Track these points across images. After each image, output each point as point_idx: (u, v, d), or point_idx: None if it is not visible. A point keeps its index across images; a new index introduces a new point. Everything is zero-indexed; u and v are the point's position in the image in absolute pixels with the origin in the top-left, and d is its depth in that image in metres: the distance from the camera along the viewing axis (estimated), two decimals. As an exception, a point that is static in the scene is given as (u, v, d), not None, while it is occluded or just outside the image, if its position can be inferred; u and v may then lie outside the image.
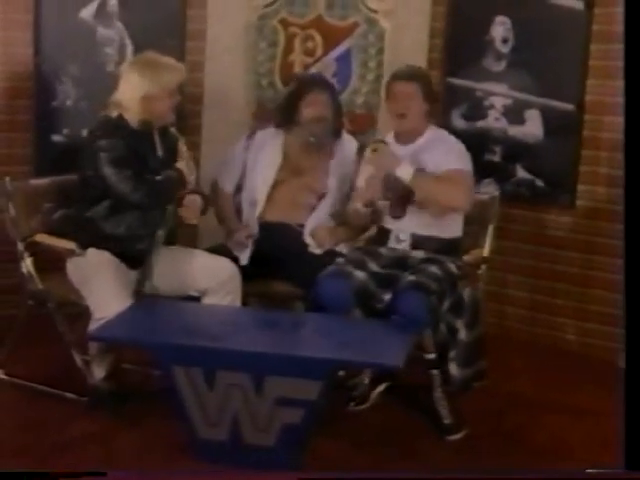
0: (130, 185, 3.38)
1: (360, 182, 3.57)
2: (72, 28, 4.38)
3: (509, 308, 4.54)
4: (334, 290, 3.36)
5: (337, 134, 3.91)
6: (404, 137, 3.58)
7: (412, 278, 3.33)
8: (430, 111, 3.59)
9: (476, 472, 3.16)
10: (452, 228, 3.58)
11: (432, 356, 3.39)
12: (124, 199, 3.41)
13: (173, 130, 3.62)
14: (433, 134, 3.59)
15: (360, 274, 3.40)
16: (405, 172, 3.40)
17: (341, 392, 3.57)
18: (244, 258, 3.74)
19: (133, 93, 3.43)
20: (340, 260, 3.53)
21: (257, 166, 3.88)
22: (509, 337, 4.41)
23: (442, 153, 3.49)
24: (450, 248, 3.54)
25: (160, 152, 3.55)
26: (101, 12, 4.42)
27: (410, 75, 3.56)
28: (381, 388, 3.66)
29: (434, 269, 3.38)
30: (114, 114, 3.48)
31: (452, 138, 3.62)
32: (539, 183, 4.40)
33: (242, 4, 4.61)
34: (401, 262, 3.48)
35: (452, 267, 3.45)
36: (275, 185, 3.86)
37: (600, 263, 4.26)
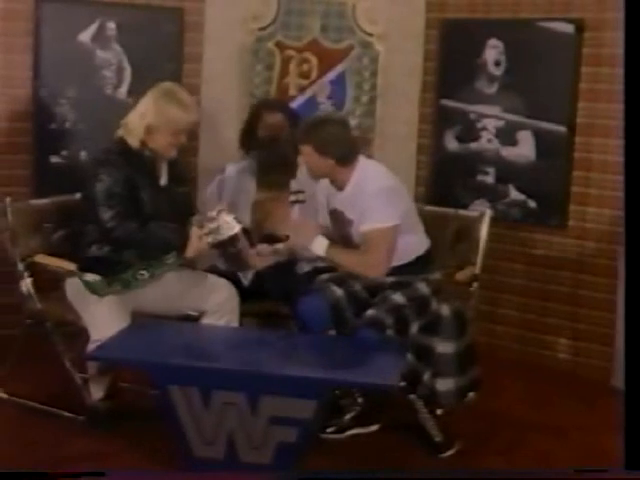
0: (115, 222, 3.36)
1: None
2: (71, 51, 4.45)
3: (500, 327, 4.58)
4: (311, 305, 3.42)
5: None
6: (335, 184, 3.52)
7: (370, 313, 3.36)
8: (343, 162, 3.42)
9: (473, 474, 3.21)
10: (417, 246, 3.57)
11: (401, 383, 3.29)
12: (107, 232, 3.40)
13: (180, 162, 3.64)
14: (355, 183, 3.45)
15: (337, 290, 3.45)
16: (319, 247, 3.43)
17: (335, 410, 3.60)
18: (246, 280, 3.80)
19: (140, 119, 3.44)
20: (322, 277, 3.57)
21: (237, 194, 3.97)
22: (500, 356, 4.45)
23: (359, 211, 3.41)
24: (421, 263, 3.55)
25: (163, 181, 3.56)
26: (100, 35, 4.48)
27: (302, 136, 3.46)
28: (364, 430, 3.60)
29: (397, 297, 3.40)
30: (118, 139, 3.48)
31: (371, 186, 3.41)
32: (531, 204, 4.46)
33: (238, 27, 4.68)
34: (374, 286, 3.49)
35: (421, 288, 3.46)
36: (256, 205, 3.95)
37: (591, 283, 4.30)
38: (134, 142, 3.45)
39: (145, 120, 3.42)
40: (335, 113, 3.65)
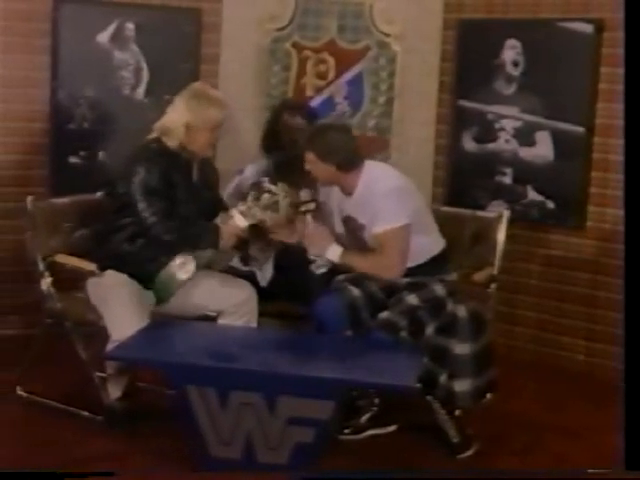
0: (156, 218, 3.41)
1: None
2: (89, 52, 4.47)
3: (517, 328, 4.57)
4: (328, 306, 3.42)
5: None
6: (343, 190, 3.54)
7: (383, 316, 3.37)
8: (345, 168, 3.45)
9: (477, 473, 3.21)
10: (432, 247, 3.57)
11: (417, 385, 3.26)
12: (147, 229, 3.44)
13: (211, 162, 3.70)
14: (363, 188, 3.47)
15: (354, 290, 3.45)
16: (333, 254, 3.46)
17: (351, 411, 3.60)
18: (264, 280, 3.81)
19: (177, 121, 3.48)
20: (339, 278, 3.57)
21: None
22: (516, 356, 4.44)
23: (369, 214, 3.43)
24: (437, 264, 3.54)
25: (195, 180, 3.58)
26: (117, 36, 4.51)
27: (305, 144, 3.51)
28: (381, 431, 3.60)
29: (411, 298, 3.40)
30: (154, 139, 3.51)
31: (378, 188, 3.43)
32: (549, 204, 4.44)
33: (255, 28, 4.68)
34: (391, 287, 3.49)
35: (437, 289, 3.46)
36: None
37: (609, 284, 4.28)
38: (173, 143, 3.50)
39: (184, 121, 3.47)
40: (338, 120, 3.69)
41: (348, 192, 3.52)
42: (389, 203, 3.40)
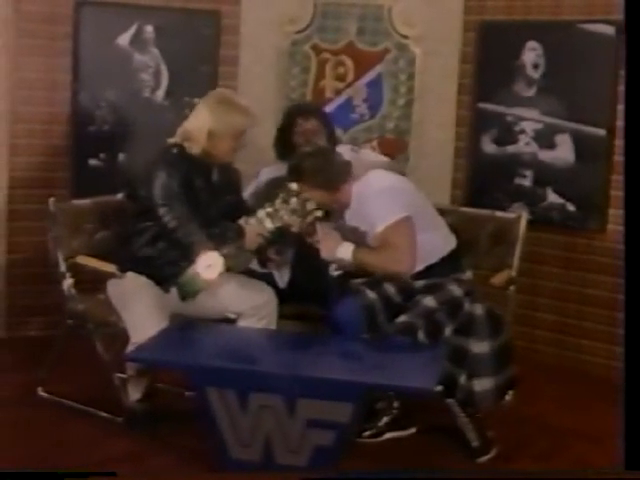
0: (178, 222, 3.40)
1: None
2: (109, 54, 4.50)
3: (537, 331, 4.55)
4: (346, 309, 3.42)
5: None
6: (342, 205, 3.56)
7: (401, 320, 3.37)
8: (333, 187, 3.48)
9: (479, 473, 3.21)
10: (442, 244, 3.55)
11: (438, 388, 3.26)
12: (169, 233, 3.44)
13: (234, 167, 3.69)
14: (356, 196, 3.51)
15: (371, 294, 3.46)
16: (345, 253, 3.46)
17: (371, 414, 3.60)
18: (282, 282, 3.81)
19: (200, 126, 3.48)
20: (356, 281, 3.57)
21: None
22: (537, 359, 4.43)
23: (367, 220, 3.45)
24: (450, 263, 3.53)
25: (216, 183, 3.59)
26: (137, 39, 4.53)
27: (290, 176, 3.52)
28: (401, 433, 3.61)
29: (428, 301, 3.40)
30: (176, 144, 3.51)
31: (368, 192, 3.46)
32: (570, 207, 4.42)
33: (274, 30, 4.69)
34: (407, 289, 3.50)
35: (453, 290, 3.45)
36: None
37: (630, 287, 4.26)
38: (196, 149, 3.50)
39: (206, 127, 3.47)
40: (313, 146, 3.75)
41: (345, 206, 3.54)
42: (381, 203, 3.42)
